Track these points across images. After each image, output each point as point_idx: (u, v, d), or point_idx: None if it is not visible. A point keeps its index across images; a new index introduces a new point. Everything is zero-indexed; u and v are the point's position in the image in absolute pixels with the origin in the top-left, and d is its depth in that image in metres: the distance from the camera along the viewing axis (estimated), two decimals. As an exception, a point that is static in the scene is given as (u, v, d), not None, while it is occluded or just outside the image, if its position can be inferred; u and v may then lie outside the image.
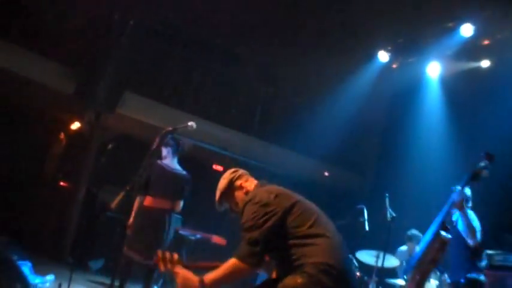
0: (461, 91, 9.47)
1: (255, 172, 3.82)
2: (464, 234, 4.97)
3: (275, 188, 3.48)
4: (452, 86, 9.59)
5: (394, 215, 6.35)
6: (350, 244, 6.73)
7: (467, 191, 5.28)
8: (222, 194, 3.63)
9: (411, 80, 10.00)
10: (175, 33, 10.09)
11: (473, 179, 4.72)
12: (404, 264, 6.56)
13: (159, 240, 6.15)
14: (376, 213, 6.84)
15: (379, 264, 6.47)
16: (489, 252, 6.04)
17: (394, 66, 9.90)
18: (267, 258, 3.42)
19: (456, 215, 5.16)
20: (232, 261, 3.20)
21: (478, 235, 4.99)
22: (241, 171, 3.72)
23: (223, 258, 3.33)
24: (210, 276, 3.23)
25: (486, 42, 8.60)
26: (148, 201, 6.38)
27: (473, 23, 8.16)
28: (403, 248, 7.59)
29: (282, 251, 3.25)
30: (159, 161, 6.49)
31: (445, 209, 4.78)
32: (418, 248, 4.80)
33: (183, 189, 6.47)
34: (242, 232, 3.27)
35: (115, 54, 8.95)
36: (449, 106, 9.67)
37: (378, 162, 12.04)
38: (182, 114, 9.42)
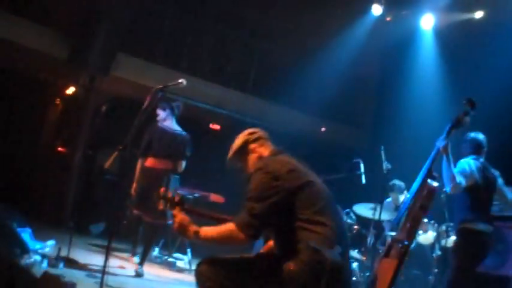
0: (455, 42, 9.46)
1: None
2: (443, 181, 5.01)
3: (290, 161, 3.29)
4: (446, 38, 9.57)
5: (389, 167, 6.40)
6: (347, 197, 6.89)
7: (480, 136, 5.34)
8: (235, 153, 3.47)
9: (405, 32, 9.97)
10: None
11: (456, 125, 4.75)
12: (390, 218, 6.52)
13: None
14: (374, 167, 6.91)
15: (376, 216, 6.50)
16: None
17: (388, 19, 9.84)
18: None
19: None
20: (230, 226, 3.09)
21: (459, 179, 4.91)
22: (259, 133, 3.54)
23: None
24: (206, 231, 3.15)
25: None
26: (150, 162, 6.49)
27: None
28: (388, 199, 7.52)
29: (282, 229, 3.15)
30: (159, 124, 6.55)
31: (431, 156, 4.80)
32: (408, 195, 4.81)
33: (184, 150, 6.55)
34: (246, 199, 3.13)
35: (107, 15, 8.85)
36: (443, 58, 9.69)
37: (375, 116, 12.08)
38: (177, 74, 9.30)
